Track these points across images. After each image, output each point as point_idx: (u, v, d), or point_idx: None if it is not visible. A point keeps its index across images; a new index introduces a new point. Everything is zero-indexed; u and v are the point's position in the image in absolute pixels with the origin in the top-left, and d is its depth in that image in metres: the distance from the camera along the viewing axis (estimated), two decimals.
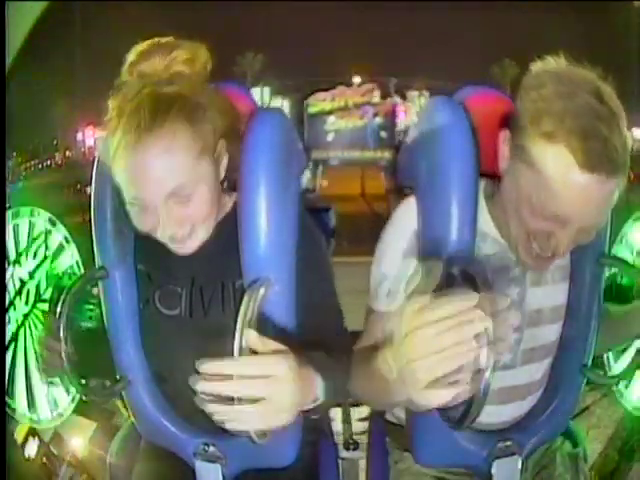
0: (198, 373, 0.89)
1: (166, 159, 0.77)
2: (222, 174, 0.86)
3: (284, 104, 15.23)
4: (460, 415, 0.69)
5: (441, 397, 0.58)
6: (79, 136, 13.98)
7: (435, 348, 0.56)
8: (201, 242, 0.83)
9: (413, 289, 0.64)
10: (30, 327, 1.45)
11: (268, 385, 0.63)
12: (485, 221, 0.89)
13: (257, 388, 0.63)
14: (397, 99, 13.03)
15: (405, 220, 0.91)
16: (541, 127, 0.76)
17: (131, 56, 0.82)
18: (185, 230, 0.81)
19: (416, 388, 0.59)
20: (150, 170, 0.77)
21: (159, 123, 0.76)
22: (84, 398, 1.04)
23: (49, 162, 13.78)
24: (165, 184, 0.77)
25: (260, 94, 13.81)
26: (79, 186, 11.92)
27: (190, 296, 0.90)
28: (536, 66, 0.83)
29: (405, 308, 0.60)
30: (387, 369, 0.66)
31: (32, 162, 13.35)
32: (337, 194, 10.64)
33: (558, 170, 0.75)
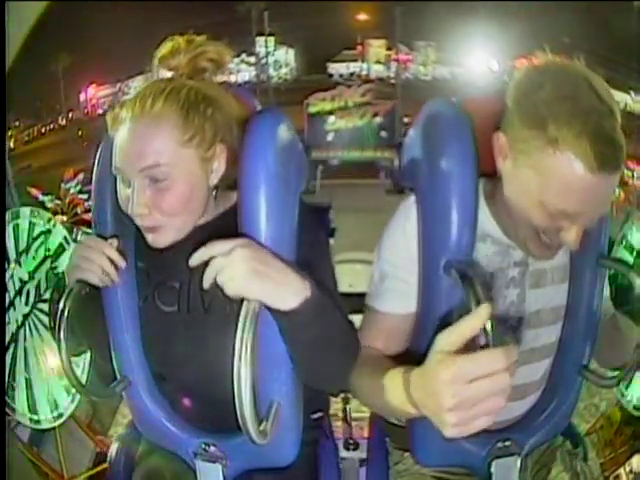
0: (197, 370, 0.90)
1: (149, 136, 0.79)
2: (214, 179, 0.86)
3: (289, 52, 15.14)
4: None
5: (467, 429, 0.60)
6: (82, 96, 14.03)
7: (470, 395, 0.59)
8: (173, 240, 0.84)
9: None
10: (30, 327, 1.45)
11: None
12: (487, 220, 0.90)
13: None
14: (402, 47, 13.17)
15: (405, 220, 0.91)
16: (547, 133, 0.75)
17: (163, 50, 0.86)
18: (153, 220, 0.82)
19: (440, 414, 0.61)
20: (133, 142, 0.79)
21: (155, 103, 0.80)
22: (84, 398, 1.05)
23: (52, 126, 13.79)
24: (141, 159, 0.79)
25: (264, 43, 13.69)
26: (80, 133, 12.30)
27: (188, 293, 0.90)
28: (526, 64, 0.82)
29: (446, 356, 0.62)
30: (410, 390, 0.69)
31: (35, 127, 13.37)
32: None
33: (569, 175, 0.75)
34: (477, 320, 0.62)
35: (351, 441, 1.51)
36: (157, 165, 0.79)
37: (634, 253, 1.21)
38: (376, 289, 0.94)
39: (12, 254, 1.46)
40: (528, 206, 0.81)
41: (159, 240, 0.84)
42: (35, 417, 1.44)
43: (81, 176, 8.37)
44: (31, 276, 1.45)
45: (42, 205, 8.18)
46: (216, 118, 0.83)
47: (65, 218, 8.10)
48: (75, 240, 1.39)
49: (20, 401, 1.43)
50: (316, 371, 0.84)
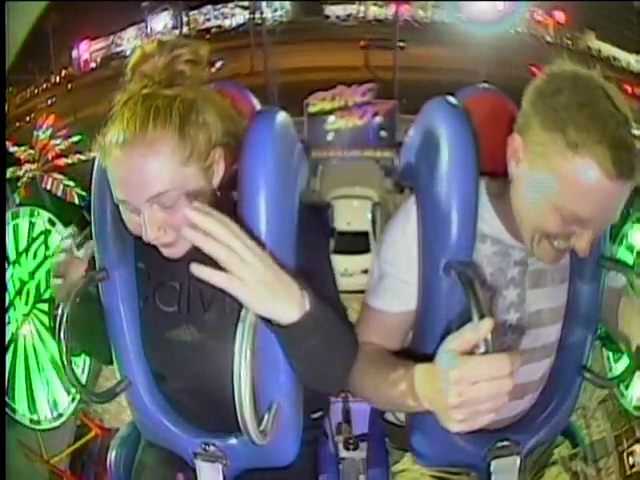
0: (197, 370, 0.90)
1: (150, 164, 0.76)
2: (215, 183, 0.84)
3: None
4: None
5: (469, 425, 0.63)
6: (74, 53, 13.84)
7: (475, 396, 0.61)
8: (189, 248, 0.82)
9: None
10: (30, 327, 1.45)
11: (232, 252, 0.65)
12: (492, 220, 0.90)
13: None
14: None
15: (405, 222, 0.91)
16: (567, 137, 0.75)
17: (134, 57, 0.82)
18: (169, 237, 0.81)
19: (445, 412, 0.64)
20: (134, 173, 0.77)
21: (147, 126, 0.76)
22: (84, 398, 1.05)
23: (45, 85, 13.66)
24: (147, 189, 0.77)
25: None
26: (70, 86, 12.04)
27: (188, 293, 0.90)
28: (546, 69, 0.82)
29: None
30: (416, 387, 0.71)
31: (28, 89, 13.22)
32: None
33: (587, 180, 0.75)
34: (477, 334, 0.63)
35: (351, 441, 1.51)
36: (164, 192, 0.77)
37: (634, 254, 1.21)
38: (375, 287, 0.94)
39: (12, 254, 1.46)
40: (541, 210, 0.80)
41: (176, 252, 0.83)
42: (35, 417, 1.44)
43: (51, 119, 7.95)
44: (31, 276, 1.45)
45: (12, 156, 7.71)
46: (207, 123, 0.81)
47: (35, 166, 7.76)
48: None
49: (20, 401, 1.43)
50: (315, 375, 0.83)
